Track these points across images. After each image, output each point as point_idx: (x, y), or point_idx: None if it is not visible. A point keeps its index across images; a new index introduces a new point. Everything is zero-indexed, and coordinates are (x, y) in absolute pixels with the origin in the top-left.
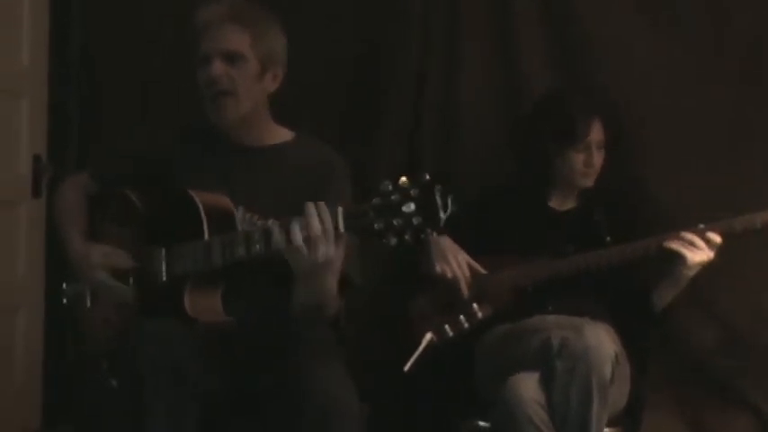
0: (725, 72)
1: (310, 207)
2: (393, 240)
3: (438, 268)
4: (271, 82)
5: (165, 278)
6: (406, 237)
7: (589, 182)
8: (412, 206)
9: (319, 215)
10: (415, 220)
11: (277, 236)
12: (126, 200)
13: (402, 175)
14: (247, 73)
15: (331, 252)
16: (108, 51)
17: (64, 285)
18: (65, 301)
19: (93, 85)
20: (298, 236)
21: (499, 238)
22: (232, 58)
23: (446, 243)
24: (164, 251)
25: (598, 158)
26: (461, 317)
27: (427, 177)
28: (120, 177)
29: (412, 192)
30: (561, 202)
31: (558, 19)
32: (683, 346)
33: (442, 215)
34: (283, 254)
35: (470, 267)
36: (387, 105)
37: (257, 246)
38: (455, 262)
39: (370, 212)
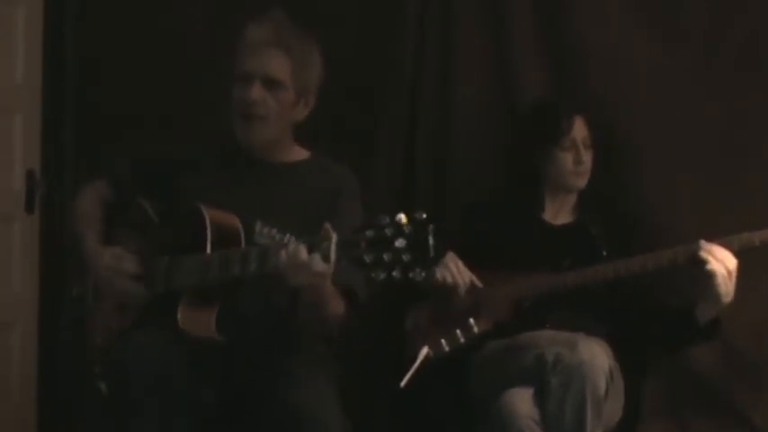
0: (719, 81)
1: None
2: (381, 275)
3: (438, 275)
4: (302, 110)
5: (162, 289)
6: (394, 273)
7: (581, 182)
8: (403, 242)
9: (291, 251)
10: (404, 257)
11: (272, 257)
12: (141, 209)
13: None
14: (283, 101)
15: (306, 280)
16: (101, 67)
17: (73, 291)
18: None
19: (87, 101)
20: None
21: (493, 253)
22: (272, 83)
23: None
24: (165, 262)
25: (587, 157)
26: (458, 331)
27: (423, 216)
28: (138, 187)
29: (405, 228)
30: (555, 215)
31: (553, 28)
32: (680, 363)
33: (432, 253)
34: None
35: (469, 278)
36: (382, 111)
37: (253, 265)
38: (455, 268)
39: (362, 244)
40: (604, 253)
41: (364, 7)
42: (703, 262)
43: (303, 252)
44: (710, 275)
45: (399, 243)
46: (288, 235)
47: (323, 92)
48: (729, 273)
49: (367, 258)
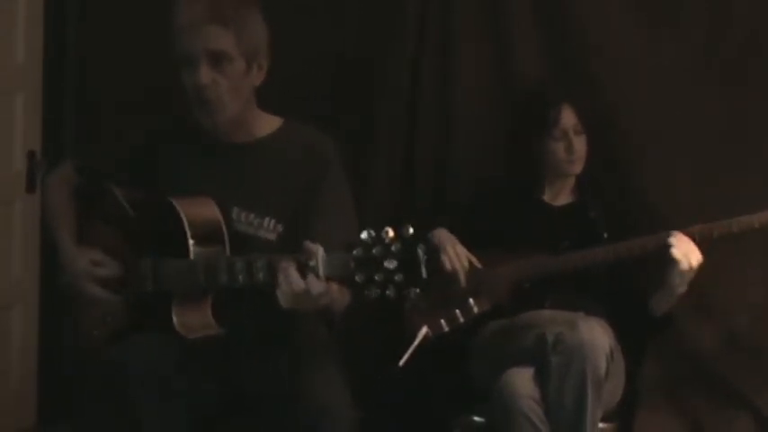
0: (718, 74)
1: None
2: (375, 293)
3: None
4: (257, 74)
5: (151, 288)
6: (388, 292)
7: (576, 169)
8: (394, 263)
9: (287, 277)
10: (396, 278)
11: (259, 273)
12: (113, 199)
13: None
14: (234, 75)
15: (310, 305)
16: (102, 47)
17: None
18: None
19: (87, 82)
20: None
21: (494, 234)
22: (218, 59)
23: (444, 235)
24: (150, 264)
25: (579, 144)
26: (457, 311)
27: (410, 231)
28: (107, 174)
29: (394, 248)
30: (555, 196)
31: (553, 28)
32: (681, 346)
33: (424, 273)
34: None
35: (468, 260)
36: (382, 111)
37: (240, 276)
38: (453, 253)
39: (351, 263)
40: (605, 235)
41: (364, 7)
42: (669, 246)
43: (297, 279)
44: (674, 262)
45: (389, 263)
46: (267, 218)
47: (323, 92)
48: (691, 267)
49: (358, 278)
